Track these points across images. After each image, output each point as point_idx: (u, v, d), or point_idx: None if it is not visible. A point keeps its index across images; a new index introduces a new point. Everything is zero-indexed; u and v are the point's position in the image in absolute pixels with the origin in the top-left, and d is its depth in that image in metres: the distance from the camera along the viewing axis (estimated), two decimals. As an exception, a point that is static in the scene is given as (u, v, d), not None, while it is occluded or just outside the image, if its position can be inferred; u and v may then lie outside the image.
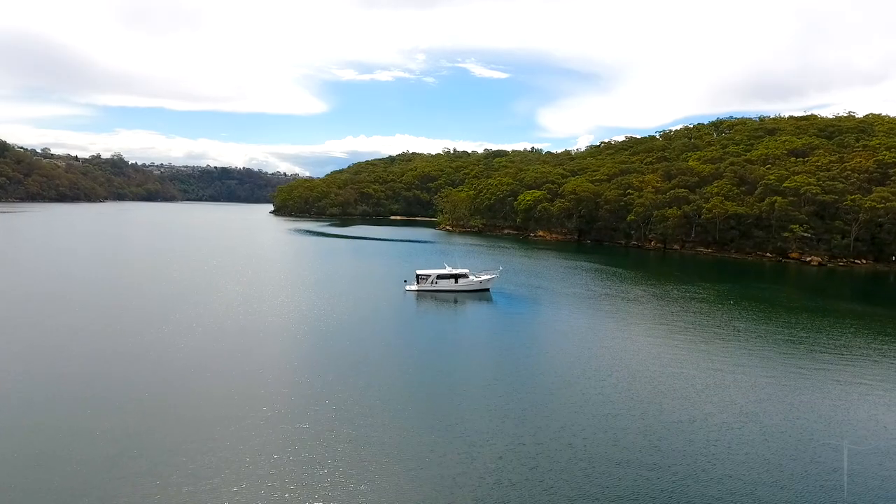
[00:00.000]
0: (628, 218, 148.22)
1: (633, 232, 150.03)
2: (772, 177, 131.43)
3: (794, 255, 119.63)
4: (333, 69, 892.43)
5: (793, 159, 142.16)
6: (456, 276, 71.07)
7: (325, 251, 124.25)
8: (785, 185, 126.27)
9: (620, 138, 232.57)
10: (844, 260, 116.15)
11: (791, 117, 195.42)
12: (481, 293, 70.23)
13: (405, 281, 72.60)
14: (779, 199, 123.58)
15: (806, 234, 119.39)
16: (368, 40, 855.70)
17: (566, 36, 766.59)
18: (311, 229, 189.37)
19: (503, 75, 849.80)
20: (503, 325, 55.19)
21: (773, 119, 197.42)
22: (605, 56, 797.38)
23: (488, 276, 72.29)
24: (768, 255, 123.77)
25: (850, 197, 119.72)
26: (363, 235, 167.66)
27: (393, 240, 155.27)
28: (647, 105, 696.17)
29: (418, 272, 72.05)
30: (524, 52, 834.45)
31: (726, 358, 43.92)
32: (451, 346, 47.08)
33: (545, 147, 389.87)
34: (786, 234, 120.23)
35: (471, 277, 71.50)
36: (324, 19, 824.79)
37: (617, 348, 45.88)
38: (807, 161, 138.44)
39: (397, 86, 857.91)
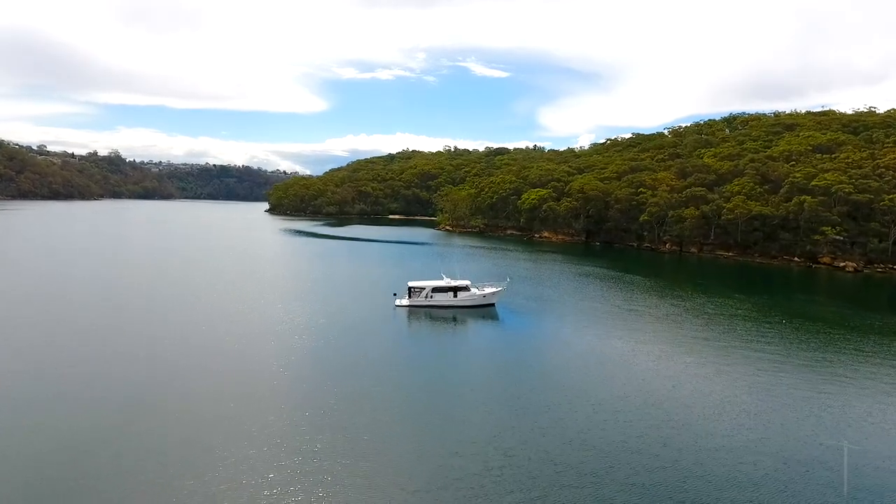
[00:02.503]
0: (641, 218, 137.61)
1: (645, 233, 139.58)
2: (798, 174, 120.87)
3: (825, 259, 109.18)
4: (334, 67, 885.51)
5: (818, 156, 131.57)
6: (455, 290, 60.51)
7: (312, 254, 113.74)
8: (813, 183, 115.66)
9: (627, 136, 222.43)
10: (882, 265, 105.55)
11: (809, 113, 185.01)
12: (485, 308, 60.02)
13: (395, 294, 62.03)
14: (808, 198, 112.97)
15: (838, 237, 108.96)
16: (369, 39, 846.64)
17: (566, 36, 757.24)
18: (302, 229, 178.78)
19: (503, 74, 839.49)
20: (513, 356, 44.54)
21: (790, 114, 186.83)
22: (606, 55, 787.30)
23: (493, 290, 61.74)
24: (796, 259, 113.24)
25: (887, 197, 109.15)
26: (357, 236, 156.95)
27: (388, 241, 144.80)
28: (648, 104, 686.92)
29: (411, 284, 61.50)
30: (524, 52, 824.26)
31: (802, 400, 33.70)
32: (449, 382, 36.70)
33: (546, 146, 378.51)
34: (816, 237, 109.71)
35: (473, 291, 61.02)
36: (324, 18, 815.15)
37: (662, 394, 35.49)
38: (835, 158, 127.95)
39: (398, 84, 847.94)
